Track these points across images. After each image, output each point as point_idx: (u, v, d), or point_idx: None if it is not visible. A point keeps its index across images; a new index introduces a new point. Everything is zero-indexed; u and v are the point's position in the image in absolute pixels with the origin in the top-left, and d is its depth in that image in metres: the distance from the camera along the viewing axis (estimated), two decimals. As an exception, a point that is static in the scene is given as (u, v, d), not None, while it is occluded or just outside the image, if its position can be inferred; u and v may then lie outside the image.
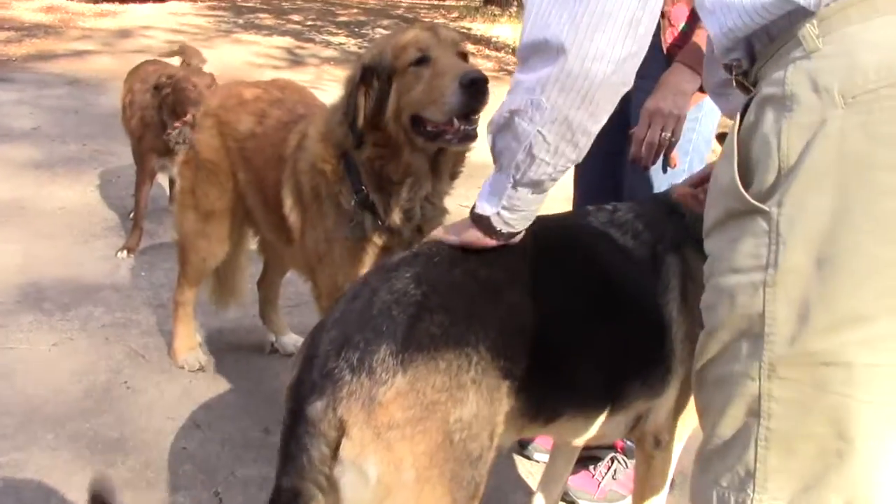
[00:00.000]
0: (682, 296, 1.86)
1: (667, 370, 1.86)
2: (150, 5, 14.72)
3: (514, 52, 13.17)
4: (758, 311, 1.20)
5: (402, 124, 2.20)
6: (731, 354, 1.26)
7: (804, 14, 1.17)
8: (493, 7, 17.65)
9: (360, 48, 12.44)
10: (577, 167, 2.67)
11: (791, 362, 1.18)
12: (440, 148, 2.24)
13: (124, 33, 11.55)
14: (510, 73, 11.93)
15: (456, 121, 2.11)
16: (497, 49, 13.39)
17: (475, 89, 2.07)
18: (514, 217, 1.57)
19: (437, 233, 1.75)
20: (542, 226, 1.85)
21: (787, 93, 1.16)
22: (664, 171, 2.39)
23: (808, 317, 1.16)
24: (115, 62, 9.46)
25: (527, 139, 1.41)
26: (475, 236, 1.63)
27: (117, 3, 14.46)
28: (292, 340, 3.43)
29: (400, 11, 17.52)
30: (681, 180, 2.42)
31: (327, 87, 9.34)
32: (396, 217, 2.31)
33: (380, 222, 2.33)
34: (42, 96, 7.80)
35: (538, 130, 1.39)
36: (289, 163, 2.60)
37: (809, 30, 1.15)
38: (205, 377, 3.20)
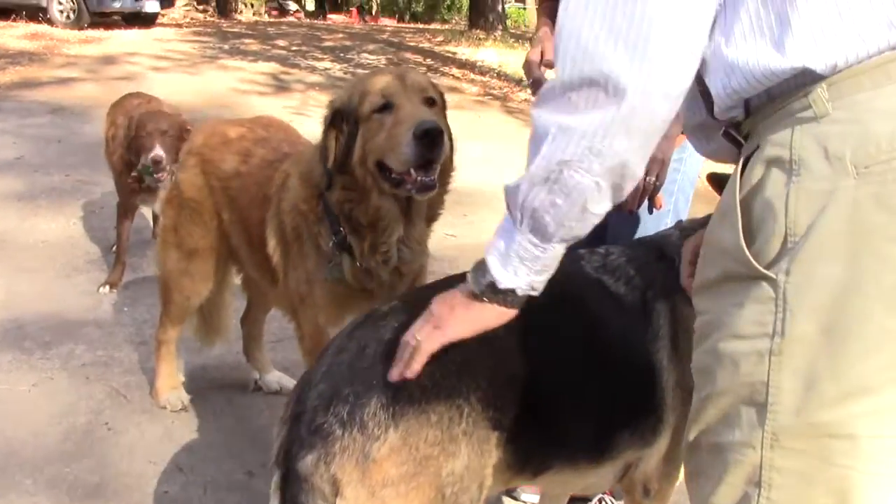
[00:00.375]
0: (673, 343, 1.84)
1: (658, 419, 1.84)
2: (135, 31, 14.77)
3: (498, 75, 13.23)
4: (762, 380, 1.17)
5: (368, 169, 2.20)
6: (730, 422, 1.22)
7: (812, 77, 1.13)
8: (479, 31, 17.76)
9: (345, 73, 12.47)
10: None
11: (795, 433, 1.16)
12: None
13: (109, 60, 11.54)
14: (495, 96, 11.96)
15: (413, 171, 2.11)
16: (482, 73, 13.43)
17: (427, 141, 2.07)
18: (542, 279, 1.38)
19: (419, 329, 1.49)
20: None
21: (795, 157, 1.13)
22: (650, 212, 2.38)
23: (814, 387, 1.14)
24: (99, 89, 9.44)
25: (582, 195, 1.22)
26: (485, 318, 1.42)
27: (102, 30, 14.50)
28: (276, 378, 3.40)
29: (385, 36, 17.60)
30: (666, 221, 2.43)
31: (313, 113, 9.34)
32: (371, 260, 2.30)
33: (358, 264, 2.31)
34: (25, 125, 7.76)
35: (597, 182, 1.21)
36: (273, 202, 2.59)
37: (820, 94, 1.12)
38: (187, 417, 3.15)
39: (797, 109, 1.14)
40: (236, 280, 3.32)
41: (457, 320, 1.44)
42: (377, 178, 2.20)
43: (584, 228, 1.28)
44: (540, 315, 1.70)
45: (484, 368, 1.60)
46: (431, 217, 2.39)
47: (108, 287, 4.22)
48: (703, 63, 1.22)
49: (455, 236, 5.19)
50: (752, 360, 1.18)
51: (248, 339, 3.43)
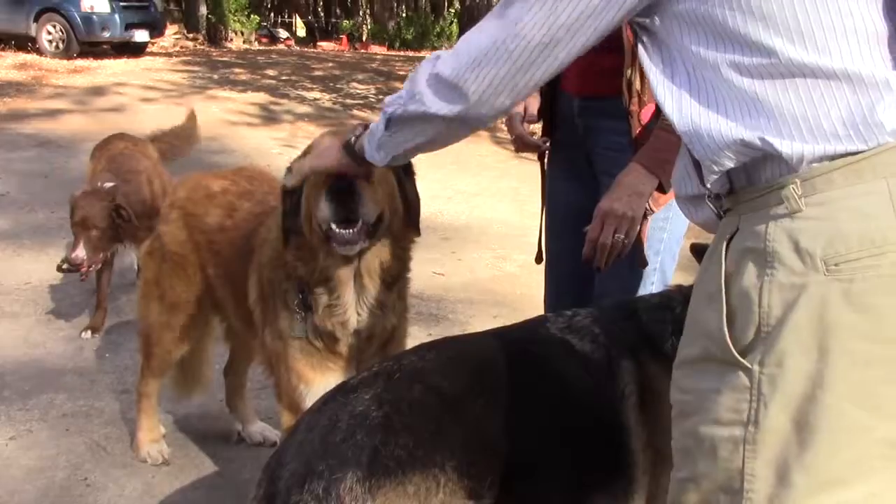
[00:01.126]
0: (640, 404, 1.83)
1: (629, 481, 1.83)
2: (124, 60, 14.76)
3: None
4: (737, 467, 1.19)
5: (313, 228, 2.19)
6: None
7: (784, 166, 1.17)
8: (468, 60, 17.82)
9: (334, 104, 12.50)
10: (547, 264, 2.66)
11: None
12: (361, 253, 2.21)
13: (98, 90, 11.54)
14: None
15: (333, 226, 2.10)
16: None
17: (338, 200, 2.07)
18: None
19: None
20: (501, 336, 1.81)
21: (769, 249, 1.16)
22: (631, 268, 2.36)
23: (786, 478, 1.15)
24: (87, 121, 9.46)
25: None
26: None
27: (91, 59, 14.49)
28: (259, 429, 3.35)
29: (375, 65, 17.64)
30: (652, 280, 2.41)
31: (301, 145, 9.32)
32: (328, 322, 2.27)
33: (318, 325, 2.29)
34: (12, 159, 7.75)
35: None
36: (256, 255, 2.57)
37: (792, 190, 1.15)
38: (168, 471, 3.10)
39: (772, 203, 1.17)
40: (218, 331, 3.27)
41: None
42: (318, 236, 2.19)
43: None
44: (507, 377, 1.70)
45: (457, 436, 1.60)
46: (390, 280, 2.32)
47: (89, 332, 4.18)
48: (690, 132, 1.24)
49: (443, 274, 5.17)
50: (728, 448, 1.20)
51: (230, 390, 3.39)
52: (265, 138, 9.75)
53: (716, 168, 1.23)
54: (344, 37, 28.73)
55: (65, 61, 14.15)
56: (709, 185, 1.27)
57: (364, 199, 2.10)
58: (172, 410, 3.46)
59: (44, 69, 13.15)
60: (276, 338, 2.45)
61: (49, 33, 14.84)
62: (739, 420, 1.18)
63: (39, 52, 14.64)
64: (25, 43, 14.93)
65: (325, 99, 12.87)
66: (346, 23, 34.07)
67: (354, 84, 14.59)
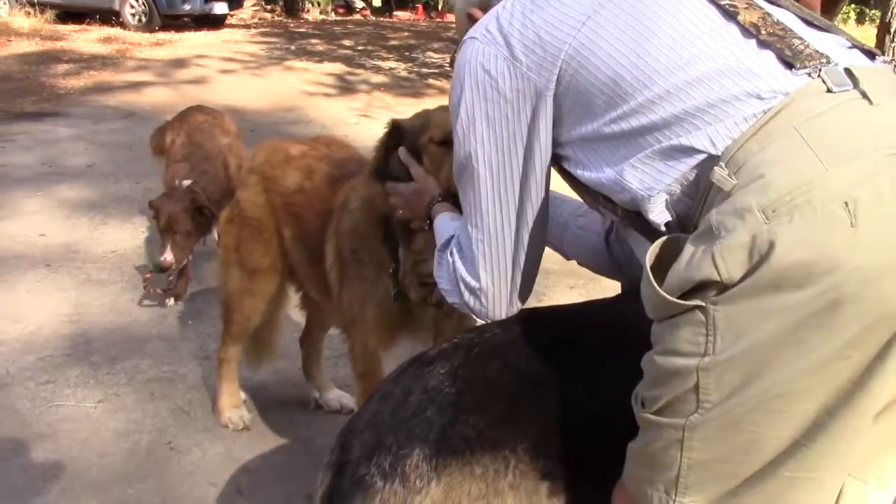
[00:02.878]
0: None
1: None
2: (204, 33, 15.01)
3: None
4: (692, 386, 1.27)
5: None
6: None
7: (710, 160, 1.28)
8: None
9: (410, 73, 12.48)
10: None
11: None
12: None
13: (179, 63, 11.75)
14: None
15: None
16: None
17: None
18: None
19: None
20: (585, 315, 1.76)
21: (715, 224, 1.22)
22: None
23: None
24: (169, 93, 9.63)
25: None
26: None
27: (173, 32, 14.77)
28: (336, 396, 3.38)
29: (450, 34, 17.54)
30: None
31: (377, 115, 9.36)
32: (423, 269, 2.26)
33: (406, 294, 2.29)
34: (98, 131, 7.95)
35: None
36: (334, 219, 2.57)
37: (720, 172, 1.24)
38: (248, 437, 3.15)
39: (713, 196, 1.27)
40: (293, 300, 3.30)
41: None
42: None
43: None
44: (592, 358, 1.63)
45: (533, 417, 1.54)
46: None
47: (173, 299, 4.27)
48: (617, 185, 1.40)
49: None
50: (685, 373, 1.27)
51: (307, 358, 3.42)
52: (342, 108, 9.79)
53: (649, 194, 1.35)
54: (420, 6, 28.56)
55: (147, 34, 14.46)
56: (653, 219, 1.36)
57: None
58: (251, 377, 3.51)
59: (127, 42, 13.46)
60: (356, 302, 2.46)
61: (132, 7, 15.16)
62: (696, 352, 1.24)
63: (123, 25, 15.00)
64: (109, 17, 15.31)
65: (401, 68, 12.86)
66: (421, -9, 33.90)
67: (430, 53, 14.55)
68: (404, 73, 12.45)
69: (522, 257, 1.60)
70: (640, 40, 1.36)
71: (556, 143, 1.52)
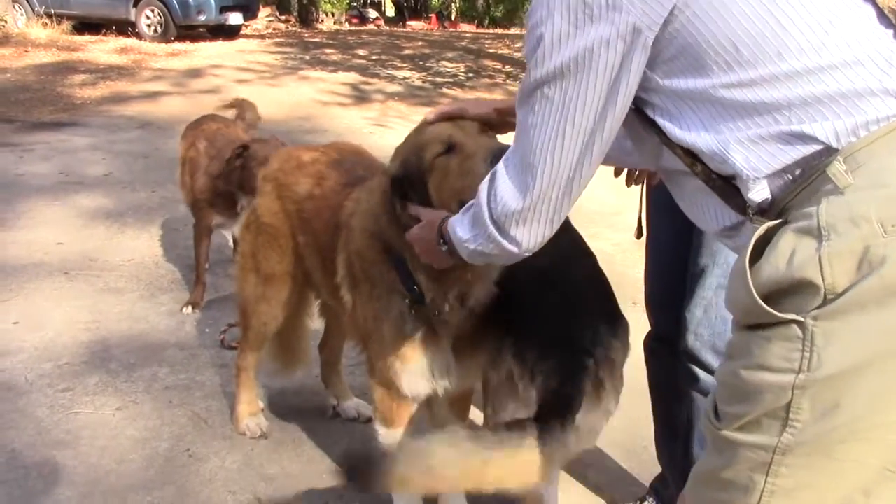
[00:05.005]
0: None
1: None
2: (219, 43, 15.09)
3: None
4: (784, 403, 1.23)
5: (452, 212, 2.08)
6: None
7: (826, 151, 1.21)
8: (558, 36, 17.55)
9: (424, 82, 12.50)
10: (649, 240, 2.58)
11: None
12: None
13: (195, 73, 11.82)
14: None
15: None
16: (562, 80, 13.28)
17: None
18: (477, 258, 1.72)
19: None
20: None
21: (823, 223, 1.17)
22: None
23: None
24: (185, 103, 9.68)
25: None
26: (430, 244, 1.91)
27: (188, 43, 14.86)
28: (354, 405, 3.37)
29: (464, 43, 17.58)
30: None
31: (392, 124, 9.38)
32: (447, 305, 2.23)
33: (437, 312, 2.25)
34: (114, 141, 8.00)
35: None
36: (343, 233, 2.54)
37: (837, 167, 1.18)
38: (266, 445, 3.15)
39: (821, 185, 1.21)
40: (314, 307, 3.30)
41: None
42: None
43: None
44: None
45: None
46: None
47: (190, 307, 4.28)
48: (717, 155, 1.30)
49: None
50: (775, 390, 1.22)
51: (326, 366, 3.41)
52: (356, 117, 9.82)
53: (755, 175, 1.27)
54: (433, 15, 28.69)
55: (163, 45, 14.56)
56: (751, 197, 1.29)
57: None
58: (269, 385, 3.51)
59: (143, 53, 13.55)
60: (371, 318, 2.43)
61: (148, 18, 15.27)
62: (790, 368, 1.19)
63: (139, 36, 15.10)
64: (125, 28, 15.41)
65: (415, 78, 12.89)
66: (434, 1, 34.03)
67: (444, 62, 14.58)
68: (418, 83, 12.48)
69: (574, 189, 1.46)
70: (775, 10, 1.24)
71: (642, 87, 1.37)
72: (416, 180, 2.10)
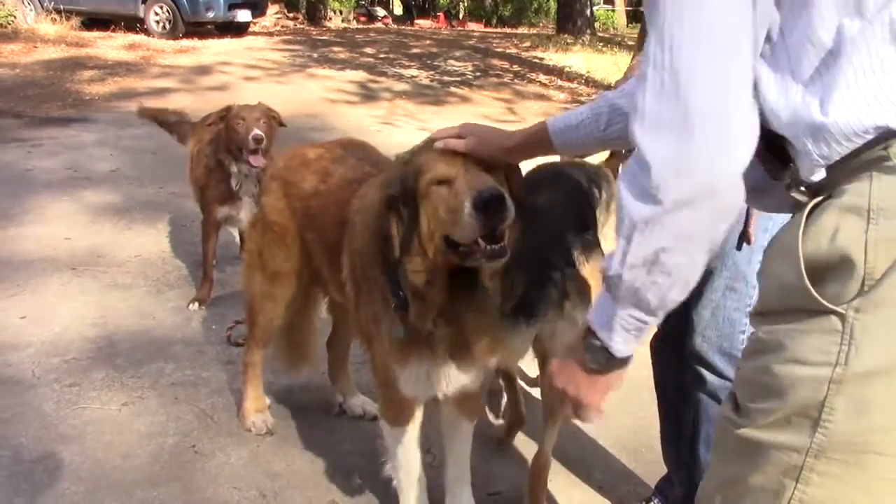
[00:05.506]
0: None
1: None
2: (227, 40, 15.11)
3: (587, 81, 13.06)
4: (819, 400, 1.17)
5: (436, 247, 2.05)
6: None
7: (889, 131, 1.12)
8: (566, 36, 17.56)
9: (431, 81, 12.50)
10: None
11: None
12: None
13: (203, 70, 11.83)
14: (583, 103, 11.78)
15: (481, 241, 1.95)
16: (570, 79, 13.30)
17: (489, 211, 1.90)
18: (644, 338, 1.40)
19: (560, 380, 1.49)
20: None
21: (874, 205, 1.11)
22: (738, 248, 2.26)
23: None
24: (193, 99, 9.68)
25: (682, 272, 1.23)
26: (611, 384, 1.43)
27: (196, 39, 14.87)
28: (360, 402, 3.37)
29: (472, 42, 17.58)
30: (758, 258, 2.31)
31: (400, 122, 9.39)
32: (427, 324, 2.20)
33: (417, 328, 2.23)
34: (122, 137, 8.01)
35: (694, 258, 1.21)
36: (348, 231, 2.53)
37: None
38: (272, 441, 3.16)
39: (875, 161, 1.13)
40: (323, 304, 3.30)
41: (590, 394, 1.45)
42: (446, 254, 2.05)
43: (683, 296, 1.26)
44: None
45: None
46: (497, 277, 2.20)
47: (196, 304, 4.29)
48: (784, 129, 1.19)
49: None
50: (812, 385, 1.16)
51: (333, 363, 3.42)
52: (364, 116, 9.82)
53: (826, 163, 1.17)
54: (441, 14, 28.68)
55: (171, 41, 14.56)
56: (807, 176, 1.20)
57: (509, 209, 1.94)
58: (275, 382, 3.51)
59: (151, 49, 13.56)
60: (371, 319, 2.43)
61: (156, 14, 15.30)
62: (827, 361, 1.14)
63: (147, 32, 15.11)
64: (134, 24, 15.44)
65: (423, 76, 12.89)
66: (442, 0, 34.02)
67: (452, 61, 14.57)
68: (426, 81, 12.48)
69: (744, 100, 1.15)
70: None
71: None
72: (410, 201, 2.07)
